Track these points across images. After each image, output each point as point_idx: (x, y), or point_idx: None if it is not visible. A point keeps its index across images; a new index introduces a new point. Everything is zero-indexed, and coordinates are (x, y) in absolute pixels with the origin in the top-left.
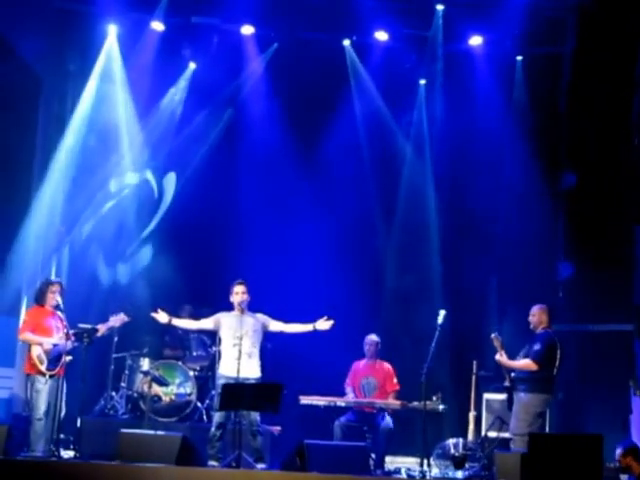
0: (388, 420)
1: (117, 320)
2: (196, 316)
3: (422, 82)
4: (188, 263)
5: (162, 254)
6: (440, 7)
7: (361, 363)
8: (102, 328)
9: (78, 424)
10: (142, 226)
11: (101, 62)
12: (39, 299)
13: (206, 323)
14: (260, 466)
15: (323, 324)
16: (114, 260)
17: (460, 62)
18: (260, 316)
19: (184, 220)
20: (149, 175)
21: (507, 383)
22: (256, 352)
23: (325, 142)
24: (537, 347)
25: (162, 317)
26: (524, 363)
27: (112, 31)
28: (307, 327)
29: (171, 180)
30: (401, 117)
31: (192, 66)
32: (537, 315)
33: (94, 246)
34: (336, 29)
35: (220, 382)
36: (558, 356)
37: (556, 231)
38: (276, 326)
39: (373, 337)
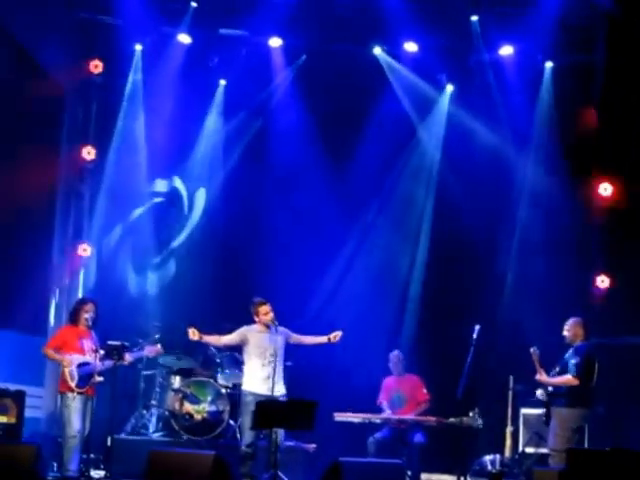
0: (421, 435)
1: (152, 351)
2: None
3: (449, 90)
4: (215, 277)
5: (189, 267)
6: (475, 18)
7: (390, 379)
8: (132, 357)
9: (108, 443)
10: (171, 236)
11: (129, 77)
12: (72, 318)
13: (232, 339)
14: None
15: (336, 336)
16: (143, 268)
17: (489, 71)
18: (282, 330)
19: (212, 234)
20: (178, 183)
21: (544, 397)
22: (282, 369)
23: (354, 154)
24: (575, 361)
25: (194, 335)
26: (565, 379)
27: (139, 45)
28: (322, 339)
29: (201, 196)
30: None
31: (222, 83)
32: (572, 329)
33: (123, 253)
34: (364, 40)
35: (248, 399)
36: (596, 369)
37: (592, 243)
38: (295, 339)
39: (396, 353)
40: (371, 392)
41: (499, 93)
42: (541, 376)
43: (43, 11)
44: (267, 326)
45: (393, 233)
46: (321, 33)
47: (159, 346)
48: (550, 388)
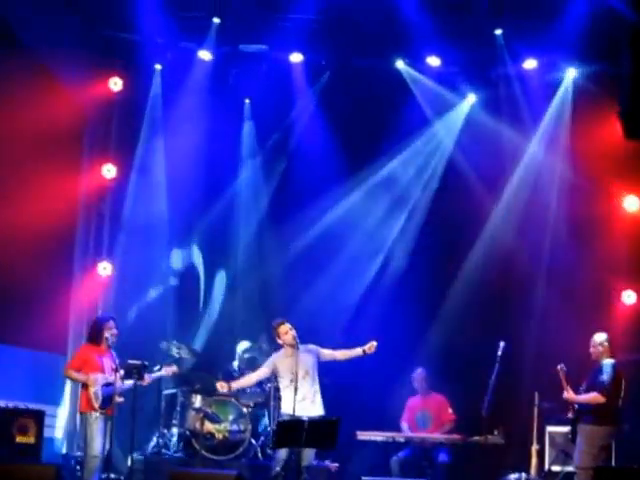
0: (445, 454)
1: (169, 370)
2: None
3: (470, 101)
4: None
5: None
6: (499, 31)
7: (415, 398)
8: (150, 377)
9: (129, 463)
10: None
11: (149, 95)
12: (93, 337)
13: (264, 372)
14: None
15: (371, 347)
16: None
17: (514, 83)
18: (312, 347)
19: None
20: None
21: (571, 415)
22: (318, 388)
23: (379, 168)
24: (602, 378)
25: (222, 387)
26: (591, 397)
27: (158, 65)
28: (356, 351)
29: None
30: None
31: (247, 102)
32: (598, 345)
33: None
34: (386, 55)
35: None
36: (623, 386)
37: (618, 258)
38: (327, 355)
39: (419, 371)
40: (395, 411)
41: (524, 104)
42: (568, 394)
43: (63, 28)
44: (292, 346)
45: (417, 245)
46: (343, 48)
47: (174, 366)
48: (576, 405)
